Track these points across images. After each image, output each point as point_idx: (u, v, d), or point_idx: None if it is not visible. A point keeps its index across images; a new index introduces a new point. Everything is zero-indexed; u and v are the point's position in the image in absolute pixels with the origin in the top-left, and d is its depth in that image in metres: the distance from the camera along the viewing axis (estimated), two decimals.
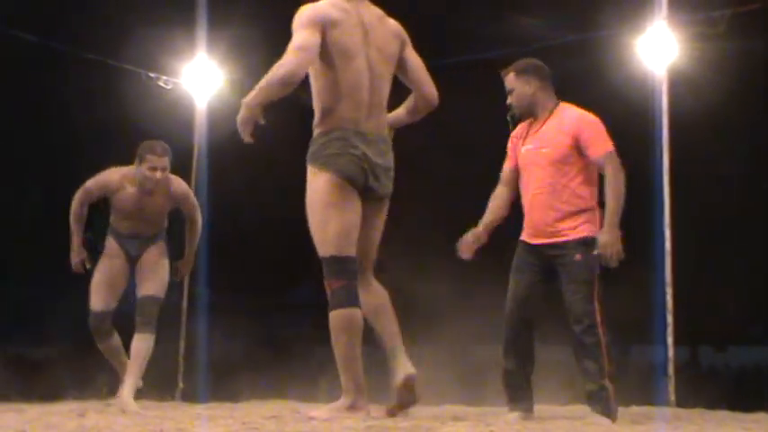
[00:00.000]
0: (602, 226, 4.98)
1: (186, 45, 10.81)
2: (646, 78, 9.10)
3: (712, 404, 6.87)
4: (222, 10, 12.33)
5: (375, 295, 4.74)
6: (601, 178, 5.14)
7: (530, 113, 5.22)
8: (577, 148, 5.07)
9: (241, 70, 11.19)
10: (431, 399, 7.09)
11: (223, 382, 10.63)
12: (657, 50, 8.85)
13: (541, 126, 5.16)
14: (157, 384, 6.53)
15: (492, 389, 6.09)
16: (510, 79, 5.26)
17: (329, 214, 4.54)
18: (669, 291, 8.36)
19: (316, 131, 4.67)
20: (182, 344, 10.33)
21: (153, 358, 6.30)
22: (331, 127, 4.62)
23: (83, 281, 6.31)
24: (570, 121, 5.11)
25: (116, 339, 6.43)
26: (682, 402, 7.87)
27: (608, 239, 4.89)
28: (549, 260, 5.09)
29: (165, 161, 6.19)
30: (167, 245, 6.50)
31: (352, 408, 4.57)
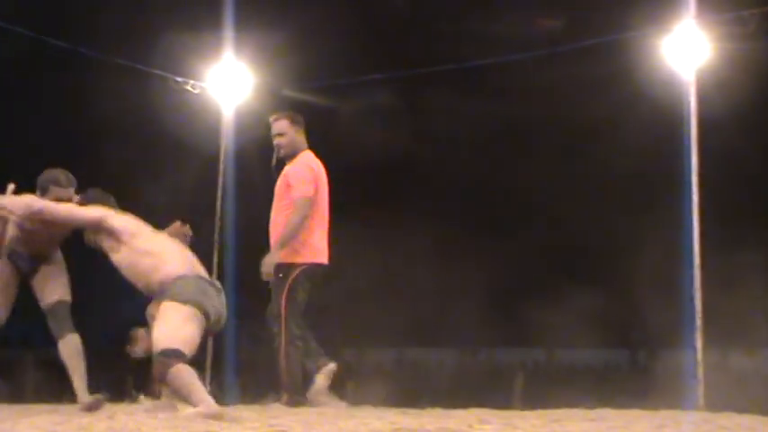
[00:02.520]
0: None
1: (213, 48, 10.85)
2: (674, 79, 9.05)
3: (742, 409, 6.81)
4: (250, 12, 12.38)
5: None
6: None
7: (292, 157, 6.19)
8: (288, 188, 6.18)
9: (269, 72, 11.23)
10: (456, 402, 7.09)
11: (250, 384, 10.66)
12: (686, 50, 8.80)
13: (288, 165, 6.23)
14: None
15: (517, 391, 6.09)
16: (283, 125, 6.18)
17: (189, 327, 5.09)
18: (698, 293, 8.30)
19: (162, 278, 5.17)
20: (209, 346, 10.36)
21: None
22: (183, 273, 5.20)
23: (116, 284, 6.23)
24: (293, 164, 6.16)
25: None
26: (711, 406, 7.81)
27: (266, 259, 6.01)
28: None
29: (71, 192, 5.91)
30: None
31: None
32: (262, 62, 11.15)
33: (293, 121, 6.18)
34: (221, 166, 10.58)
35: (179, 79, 10.49)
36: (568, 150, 19.25)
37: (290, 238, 5.98)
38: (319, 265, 6.07)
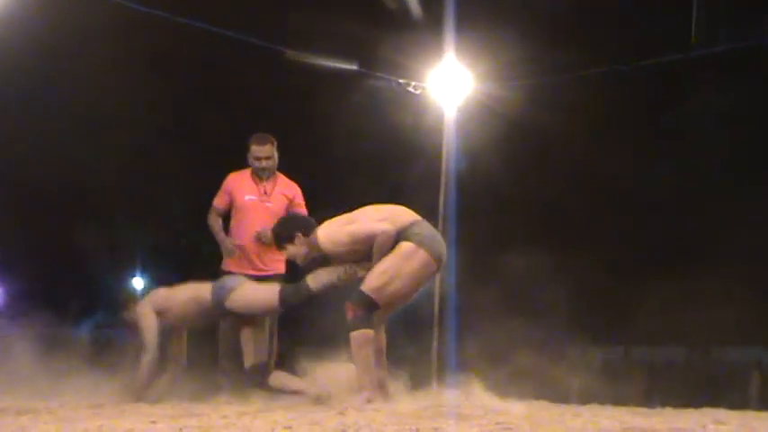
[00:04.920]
0: None
1: (434, 49, 10.99)
2: None
3: None
4: (470, 13, 12.43)
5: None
6: None
7: (273, 176, 6.87)
8: (290, 206, 6.88)
9: (491, 72, 11.26)
10: (688, 401, 6.90)
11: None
12: None
13: (272, 186, 6.86)
14: (412, 386, 6.67)
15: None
16: (270, 149, 6.83)
17: (403, 279, 5.78)
18: None
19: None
20: (434, 345, 10.49)
21: (406, 359, 6.43)
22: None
23: None
24: (289, 187, 6.93)
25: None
26: None
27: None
28: None
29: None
30: None
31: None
32: (482, 62, 11.18)
33: (274, 145, 6.86)
34: (443, 165, 10.68)
35: (401, 81, 10.69)
36: None
37: None
38: None
